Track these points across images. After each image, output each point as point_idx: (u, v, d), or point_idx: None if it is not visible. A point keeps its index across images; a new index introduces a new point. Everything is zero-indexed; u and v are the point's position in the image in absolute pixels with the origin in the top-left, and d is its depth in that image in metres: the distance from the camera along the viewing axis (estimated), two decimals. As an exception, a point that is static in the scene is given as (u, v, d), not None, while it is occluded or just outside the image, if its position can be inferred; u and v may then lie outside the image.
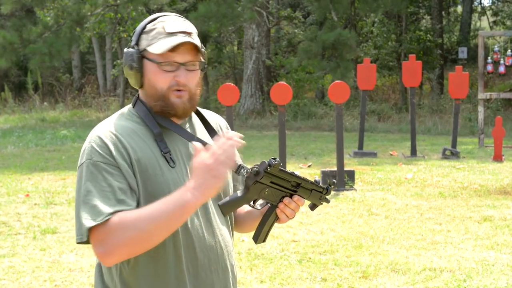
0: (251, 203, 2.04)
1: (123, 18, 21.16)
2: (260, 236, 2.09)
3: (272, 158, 1.94)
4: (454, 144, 12.31)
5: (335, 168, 9.23)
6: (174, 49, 1.97)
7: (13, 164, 11.52)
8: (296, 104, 19.63)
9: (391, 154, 12.70)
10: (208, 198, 1.84)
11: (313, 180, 2.08)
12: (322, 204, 2.13)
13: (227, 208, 1.96)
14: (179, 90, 2.00)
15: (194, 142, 1.86)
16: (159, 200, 1.87)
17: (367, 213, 7.55)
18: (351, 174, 9.16)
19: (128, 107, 2.09)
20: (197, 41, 2.01)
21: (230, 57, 25.78)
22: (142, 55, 2.01)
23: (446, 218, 7.31)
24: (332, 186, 2.09)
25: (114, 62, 22.93)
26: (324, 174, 8.96)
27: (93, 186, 1.91)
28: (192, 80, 2.02)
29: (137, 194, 1.95)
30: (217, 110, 17.79)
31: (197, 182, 1.82)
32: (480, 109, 14.04)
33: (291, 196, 2.04)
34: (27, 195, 8.65)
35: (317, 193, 2.08)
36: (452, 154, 12.12)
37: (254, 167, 1.95)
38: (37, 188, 9.11)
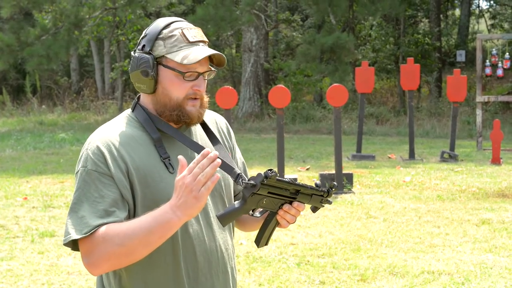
0: (250, 211, 2.04)
1: (121, 21, 21.17)
2: (261, 241, 2.10)
3: (268, 170, 1.93)
4: (452, 147, 12.32)
5: (333, 171, 9.24)
6: None
7: (11, 167, 11.51)
8: (294, 107, 19.64)
9: (389, 157, 12.71)
10: (191, 217, 1.82)
11: (313, 184, 2.07)
12: (324, 206, 2.13)
13: (225, 219, 1.96)
14: (194, 99, 1.99)
15: (179, 157, 1.83)
16: (144, 215, 1.86)
17: (366, 216, 7.55)
18: (350, 177, 9.17)
19: (127, 112, 2.07)
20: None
21: (228, 60, 25.79)
22: (157, 62, 1.98)
23: (444, 221, 7.31)
24: (333, 189, 2.08)
25: (112, 65, 22.93)
26: (323, 177, 8.96)
27: (84, 195, 1.91)
28: (204, 88, 2.03)
29: (131, 204, 1.94)
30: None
31: (179, 201, 1.80)
32: (478, 112, 14.05)
33: (290, 202, 2.02)
34: (25, 198, 8.64)
35: (317, 197, 2.08)
36: (450, 157, 12.13)
37: (251, 179, 1.95)
38: (35, 191, 9.10)
